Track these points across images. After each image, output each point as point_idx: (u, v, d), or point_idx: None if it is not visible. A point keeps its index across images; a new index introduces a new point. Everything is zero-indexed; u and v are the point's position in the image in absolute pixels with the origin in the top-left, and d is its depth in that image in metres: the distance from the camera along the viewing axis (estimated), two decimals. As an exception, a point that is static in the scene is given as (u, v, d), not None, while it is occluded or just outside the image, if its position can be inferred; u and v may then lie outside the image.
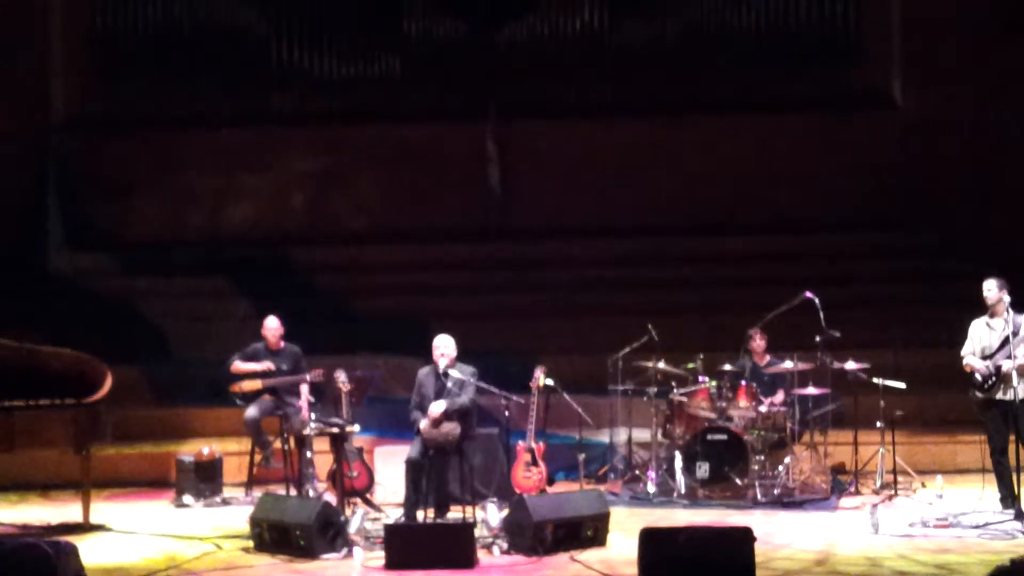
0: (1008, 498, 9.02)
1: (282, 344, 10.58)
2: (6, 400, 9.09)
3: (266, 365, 10.40)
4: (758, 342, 10.76)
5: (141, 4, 15.43)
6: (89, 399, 9.36)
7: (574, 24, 15.60)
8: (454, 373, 9.30)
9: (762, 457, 10.09)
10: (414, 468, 9.05)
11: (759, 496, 9.81)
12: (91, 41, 15.52)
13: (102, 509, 9.73)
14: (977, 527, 8.66)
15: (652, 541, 7.09)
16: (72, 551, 7.09)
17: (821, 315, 10.31)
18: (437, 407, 9.13)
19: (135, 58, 15.49)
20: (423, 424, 9.11)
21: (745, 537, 7.05)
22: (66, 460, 9.70)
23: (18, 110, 14.86)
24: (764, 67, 15.36)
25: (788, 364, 10.35)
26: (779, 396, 10.50)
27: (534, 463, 9.92)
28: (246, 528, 8.68)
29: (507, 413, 9.51)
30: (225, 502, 10.27)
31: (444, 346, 9.41)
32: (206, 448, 10.57)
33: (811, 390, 10.24)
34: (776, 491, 9.89)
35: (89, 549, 7.98)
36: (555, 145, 15.42)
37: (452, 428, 9.08)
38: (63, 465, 9.99)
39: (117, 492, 10.67)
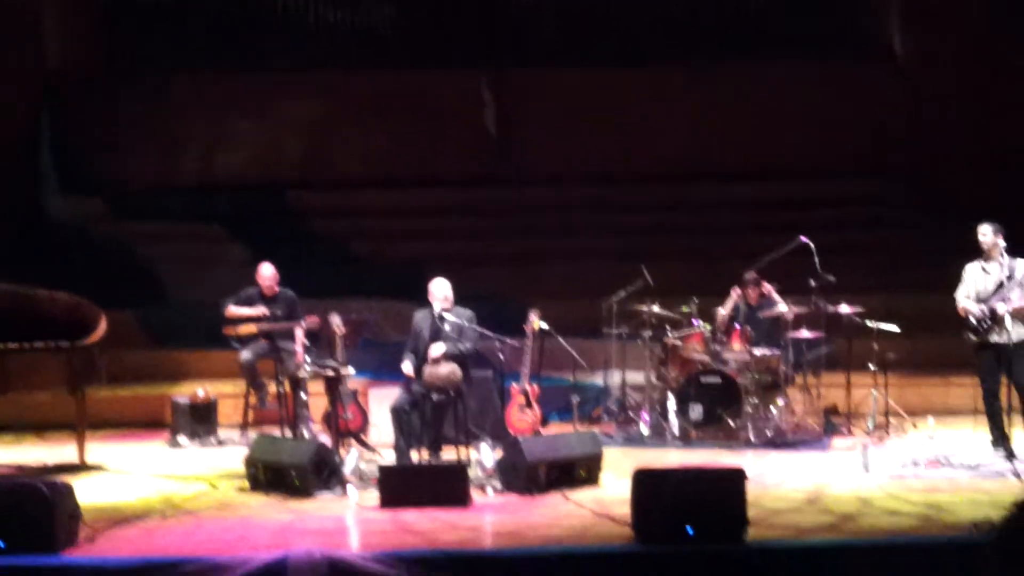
0: (999, 439, 9.07)
1: (277, 289, 10.58)
2: (1, 342, 9.10)
3: (260, 311, 10.41)
4: (751, 286, 10.76)
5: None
6: (84, 342, 9.38)
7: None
8: (450, 317, 9.31)
9: (755, 399, 10.14)
10: (399, 415, 9.08)
11: (752, 437, 9.87)
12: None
13: (97, 450, 9.78)
14: (968, 467, 8.72)
15: (645, 481, 7.14)
16: (68, 491, 7.12)
17: (816, 260, 10.31)
18: (437, 349, 9.15)
19: (129, 5, 15.38)
20: (426, 368, 9.11)
21: (737, 477, 7.10)
22: (61, 402, 9.73)
23: (12, 58, 14.75)
24: (764, 15, 15.27)
25: (782, 307, 10.36)
26: (775, 337, 10.45)
27: (528, 405, 9.96)
28: (241, 469, 8.72)
29: (502, 356, 9.54)
30: (220, 443, 10.33)
31: (440, 290, 9.42)
32: (201, 390, 10.61)
33: (805, 333, 10.26)
34: (769, 432, 9.94)
35: (85, 489, 8.01)
36: (551, 91, 15.36)
37: (453, 370, 9.09)
38: (58, 407, 10.02)
39: (112, 433, 10.72)
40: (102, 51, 15.44)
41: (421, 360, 9.25)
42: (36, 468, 9.38)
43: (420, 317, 9.50)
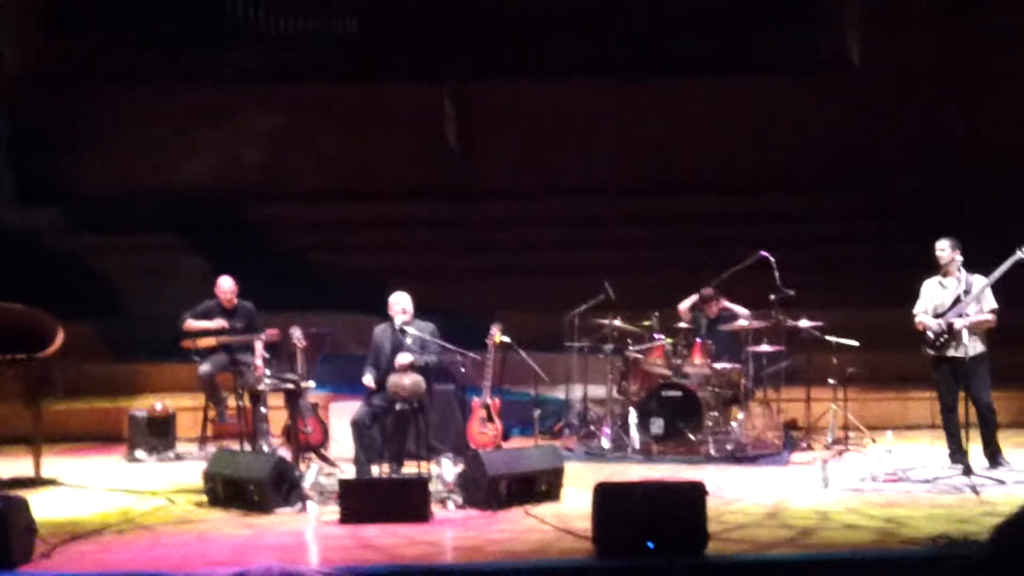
0: (957, 453, 9.14)
1: (236, 302, 10.51)
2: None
3: (219, 324, 10.34)
4: (711, 302, 10.78)
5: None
6: (40, 354, 9.26)
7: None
8: (411, 330, 9.28)
9: (716, 413, 10.17)
10: (359, 429, 9.02)
11: (712, 451, 9.90)
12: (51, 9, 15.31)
13: (54, 464, 9.66)
14: (926, 482, 8.78)
15: (606, 496, 7.14)
16: (23, 505, 7.04)
17: (776, 274, 10.37)
18: (404, 357, 9.09)
19: (88, 11, 15.25)
20: (391, 377, 9.05)
21: (697, 491, 7.12)
22: (16, 415, 9.58)
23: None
24: (724, 29, 15.37)
25: (743, 320, 10.39)
26: (735, 352, 10.48)
27: (490, 419, 9.93)
28: (200, 483, 8.64)
29: (463, 369, 9.52)
30: (178, 457, 10.23)
31: (401, 303, 9.38)
32: (159, 403, 10.51)
33: (765, 347, 10.31)
34: (729, 446, 9.97)
35: (41, 503, 7.92)
36: (513, 105, 15.38)
37: (418, 380, 9.04)
38: (13, 420, 9.86)
39: (69, 447, 10.59)
40: (60, 58, 15.27)
41: (383, 373, 9.21)
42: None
43: (380, 331, 9.46)
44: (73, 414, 11.11)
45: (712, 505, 7.21)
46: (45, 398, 9.41)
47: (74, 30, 15.30)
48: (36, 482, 9.09)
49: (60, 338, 9.34)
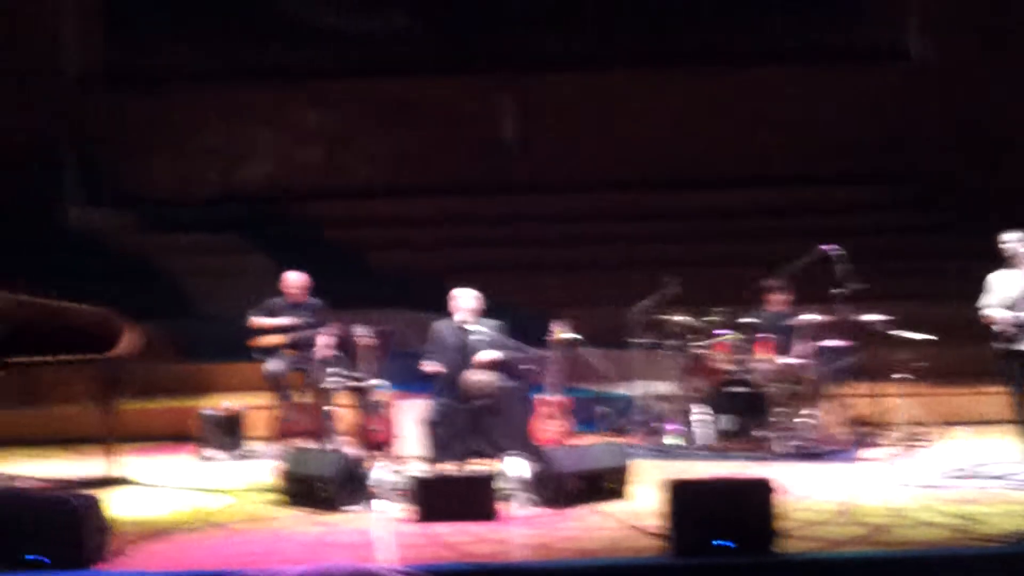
0: (1030, 449, 9.02)
1: (305, 298, 10.60)
2: (30, 356, 9.11)
3: (283, 321, 10.42)
4: (775, 294, 10.72)
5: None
6: (112, 355, 9.39)
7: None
8: (472, 327, 9.30)
9: (782, 409, 10.10)
10: (428, 427, 9.06)
11: (779, 448, 9.83)
12: (105, 3, 15.51)
13: (126, 463, 9.78)
14: (998, 478, 8.67)
15: (674, 492, 7.12)
16: (97, 504, 7.13)
17: (838, 268, 10.27)
18: (489, 354, 9.09)
19: (150, 16, 15.45)
20: (467, 375, 9.05)
21: (765, 488, 7.06)
22: (89, 415, 9.73)
23: (34, 69, 14.82)
24: (780, 20, 15.27)
25: (807, 316, 10.31)
26: (801, 347, 10.41)
27: (555, 416, 9.94)
28: (269, 481, 8.73)
29: (527, 367, 9.52)
30: (248, 455, 10.33)
31: (463, 299, 9.41)
32: (228, 402, 10.62)
33: (832, 342, 10.22)
34: (796, 443, 9.90)
35: (114, 502, 8.01)
36: (571, 98, 15.37)
37: (495, 378, 9.06)
38: (86, 420, 10.00)
39: (141, 446, 10.70)
40: (123, 63, 15.49)
41: (451, 370, 9.23)
42: (65, 481, 9.40)
43: (442, 327, 9.49)
44: (144, 414, 11.25)
45: (781, 502, 7.15)
46: (117, 398, 9.53)
47: (135, 34, 15.51)
48: (109, 481, 9.23)
49: (129, 338, 9.47)
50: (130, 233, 14.87)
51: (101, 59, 15.56)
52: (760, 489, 7.09)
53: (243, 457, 10.30)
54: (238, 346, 10.80)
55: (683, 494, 7.07)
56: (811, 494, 8.44)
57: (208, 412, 10.48)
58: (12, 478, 9.30)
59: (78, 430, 10.57)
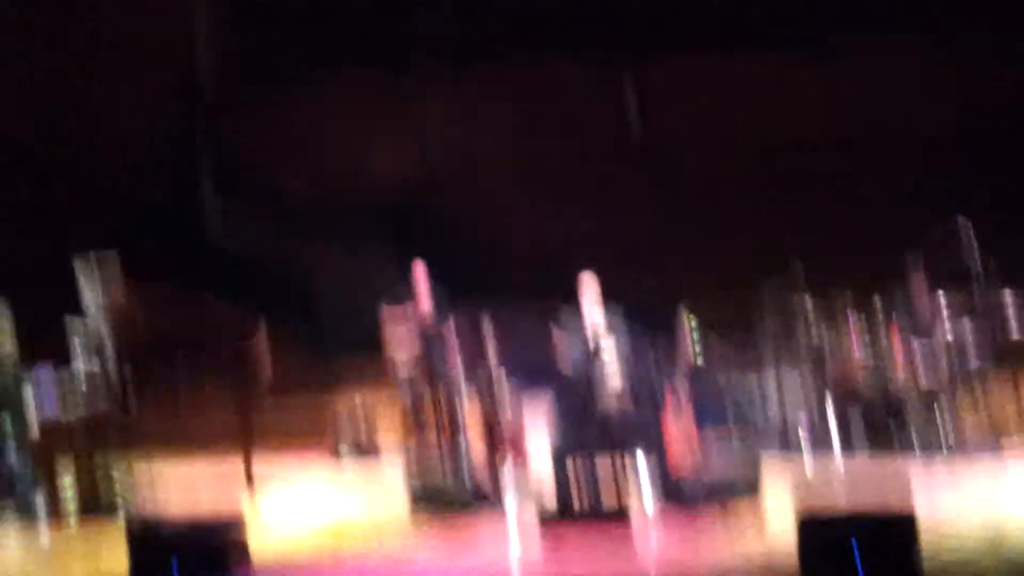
0: None
1: (432, 295, 10.70)
2: (171, 362, 9.37)
3: (413, 321, 10.53)
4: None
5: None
6: (250, 359, 9.60)
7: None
8: (598, 317, 9.23)
9: (922, 410, 9.68)
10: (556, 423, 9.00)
11: (921, 451, 9.44)
12: (239, 7, 15.79)
13: (265, 464, 10.01)
14: None
15: (811, 530, 6.64)
16: (241, 525, 7.29)
17: None
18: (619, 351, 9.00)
19: (281, 23, 15.69)
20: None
21: (909, 522, 6.58)
22: (229, 418, 9.98)
23: (170, 80, 15.16)
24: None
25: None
26: None
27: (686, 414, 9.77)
28: (401, 481, 8.84)
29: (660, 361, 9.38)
30: (379, 454, 10.49)
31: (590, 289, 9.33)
32: (363, 403, 10.79)
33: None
34: (939, 446, 9.50)
35: (255, 515, 8.22)
36: (695, 81, 15.12)
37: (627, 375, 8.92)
38: (226, 424, 10.29)
39: (277, 445, 10.94)
40: (257, 71, 15.79)
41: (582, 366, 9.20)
42: (209, 500, 9.58)
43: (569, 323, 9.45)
44: (280, 413, 11.49)
45: (925, 527, 6.70)
46: (255, 401, 9.75)
47: (268, 42, 15.76)
48: (249, 480, 9.42)
49: (268, 343, 9.66)
50: (266, 237, 15.14)
51: (236, 69, 15.86)
52: (903, 523, 6.61)
53: (376, 454, 10.46)
54: (372, 343, 10.95)
55: (817, 530, 6.62)
56: (956, 518, 7.82)
57: (344, 412, 10.66)
58: (158, 501, 9.53)
59: (219, 434, 10.87)
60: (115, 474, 9.48)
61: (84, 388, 8.97)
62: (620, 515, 7.94)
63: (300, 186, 15.32)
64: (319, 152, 15.53)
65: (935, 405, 9.82)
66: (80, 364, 9.14)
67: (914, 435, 9.63)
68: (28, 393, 8.86)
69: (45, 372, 9.35)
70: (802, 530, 6.72)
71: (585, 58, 15.21)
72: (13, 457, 8.83)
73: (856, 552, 6.51)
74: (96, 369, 9.13)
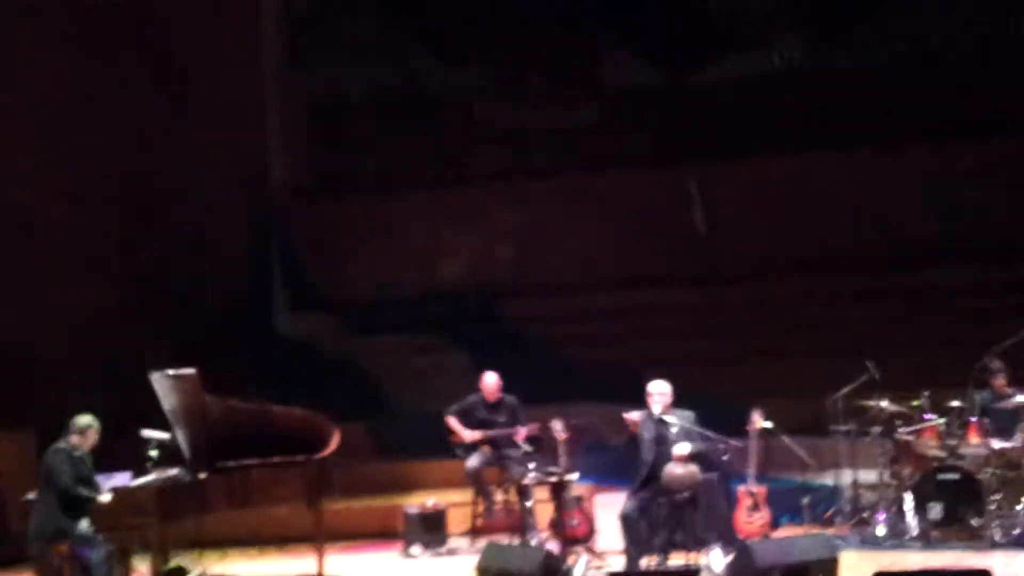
0: None
1: (500, 395, 10.77)
2: (243, 458, 9.47)
3: (477, 435, 10.58)
4: (999, 375, 10.19)
5: (350, 74, 16.15)
6: (318, 455, 9.68)
7: (772, 61, 15.53)
8: (669, 418, 9.24)
9: (999, 496, 9.63)
10: (628, 522, 8.97)
11: (998, 537, 9.36)
12: (305, 113, 16.32)
13: (335, 561, 10.04)
14: None
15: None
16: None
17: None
18: (684, 448, 9.03)
19: (347, 126, 16.18)
20: (667, 468, 8.98)
21: (987, 581, 6.75)
22: (298, 515, 10.03)
23: (241, 181, 15.65)
24: (971, 91, 14.83)
25: (1021, 397, 9.85)
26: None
27: (756, 508, 9.74)
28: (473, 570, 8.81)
29: (726, 458, 9.38)
30: (451, 552, 10.48)
31: (660, 392, 9.37)
32: (430, 500, 10.82)
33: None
34: (1016, 531, 9.41)
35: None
36: (758, 184, 15.25)
37: (694, 471, 8.97)
38: (296, 520, 10.33)
39: (348, 545, 10.98)
40: (323, 173, 16.25)
41: (647, 464, 9.16)
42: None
43: (640, 419, 9.44)
44: (351, 513, 11.54)
45: None
46: (324, 498, 9.81)
47: (333, 144, 16.25)
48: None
49: (336, 439, 9.75)
50: (334, 335, 15.41)
51: (303, 171, 16.34)
52: None
53: (446, 554, 10.43)
54: (439, 444, 11.00)
55: None
56: None
57: (411, 510, 10.68)
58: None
59: (288, 530, 10.94)
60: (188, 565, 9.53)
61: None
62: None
63: (373, 292, 15.59)
64: (391, 258, 15.82)
65: (1018, 500, 9.62)
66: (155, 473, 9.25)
67: (995, 525, 9.40)
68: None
69: (124, 478, 9.47)
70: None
71: (649, 167, 15.44)
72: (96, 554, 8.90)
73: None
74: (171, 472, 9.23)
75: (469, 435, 10.64)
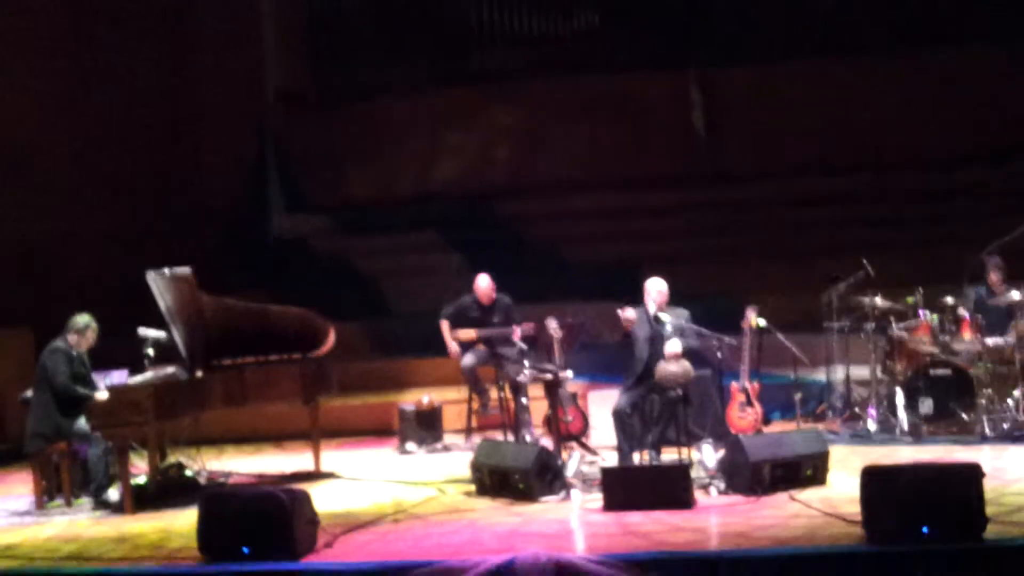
0: None
1: (494, 297, 10.78)
2: (239, 357, 9.53)
3: (472, 334, 10.61)
4: (996, 271, 10.19)
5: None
6: (315, 354, 9.74)
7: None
8: (665, 316, 9.25)
9: (990, 391, 9.69)
10: (620, 418, 9.04)
11: (987, 431, 9.44)
12: (299, 19, 16.14)
13: (331, 457, 10.17)
14: None
15: (875, 479, 6.93)
16: (305, 498, 7.41)
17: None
18: (675, 345, 9.05)
19: (341, 30, 15.99)
20: (659, 365, 9.01)
21: (973, 473, 6.81)
22: (295, 412, 10.14)
23: (237, 90, 15.54)
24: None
25: (1015, 294, 9.85)
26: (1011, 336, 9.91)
27: (749, 403, 9.80)
28: (467, 473, 8.91)
29: (720, 354, 9.42)
30: (446, 448, 10.58)
31: (658, 289, 9.36)
32: (426, 397, 10.90)
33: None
34: (1006, 425, 9.49)
35: (320, 495, 8.35)
36: (757, 87, 15.13)
37: (688, 368, 9.00)
38: (293, 417, 10.46)
39: (344, 441, 11.13)
40: (317, 76, 16.11)
41: (641, 360, 9.20)
42: (275, 477, 9.83)
43: (634, 317, 9.45)
44: (347, 410, 11.67)
45: (990, 487, 6.88)
46: (321, 395, 9.90)
47: (327, 48, 16.08)
48: (316, 475, 9.60)
49: (332, 338, 9.80)
50: (330, 237, 15.41)
51: (297, 75, 16.19)
52: (967, 473, 6.82)
53: (441, 450, 10.54)
54: (435, 342, 11.06)
55: (881, 480, 6.89)
56: (1022, 478, 8.10)
57: (407, 407, 10.77)
58: (227, 475, 9.77)
59: (286, 427, 11.07)
60: (186, 462, 9.65)
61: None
62: (686, 505, 7.89)
63: (369, 193, 15.57)
64: (388, 160, 15.77)
65: (1008, 394, 9.69)
66: (152, 371, 9.30)
67: (985, 420, 9.47)
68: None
69: (121, 376, 9.53)
70: (865, 479, 6.94)
71: (651, 67, 15.28)
72: (93, 451, 9.01)
73: (918, 495, 6.65)
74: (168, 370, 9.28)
75: (464, 334, 10.68)
